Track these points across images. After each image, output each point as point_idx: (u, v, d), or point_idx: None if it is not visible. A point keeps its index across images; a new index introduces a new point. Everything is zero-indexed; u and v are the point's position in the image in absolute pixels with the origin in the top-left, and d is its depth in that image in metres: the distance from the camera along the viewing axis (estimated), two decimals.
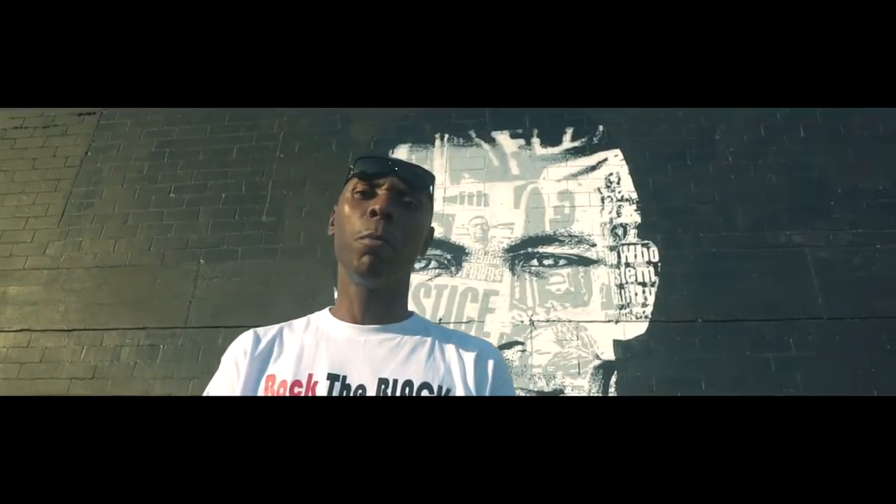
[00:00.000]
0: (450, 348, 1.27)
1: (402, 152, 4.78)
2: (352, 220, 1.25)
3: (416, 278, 4.21)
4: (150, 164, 5.12)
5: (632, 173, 4.48)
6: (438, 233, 4.36)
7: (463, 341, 1.30)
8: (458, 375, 1.22)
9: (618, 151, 4.56)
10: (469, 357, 1.26)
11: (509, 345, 3.96)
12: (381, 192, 1.26)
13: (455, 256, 4.30)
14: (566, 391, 3.79)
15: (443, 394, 1.19)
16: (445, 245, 4.35)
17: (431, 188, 1.36)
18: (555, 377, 3.84)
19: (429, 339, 1.27)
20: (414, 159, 4.72)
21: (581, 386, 3.80)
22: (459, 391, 1.20)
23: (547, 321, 4.03)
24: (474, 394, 1.21)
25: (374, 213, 1.22)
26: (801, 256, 4.01)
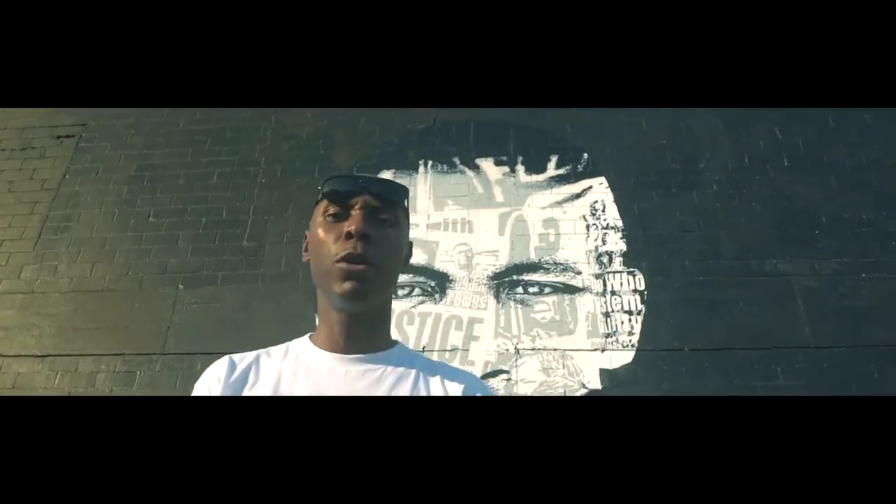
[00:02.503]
0: (434, 382, 1.20)
1: (385, 178, 4.74)
2: (327, 245, 1.19)
3: (399, 305, 4.16)
4: (130, 187, 5.04)
5: (617, 201, 4.47)
6: (422, 260, 4.32)
7: (449, 374, 1.24)
8: None
9: (602, 179, 4.56)
10: (455, 391, 1.20)
11: (494, 373, 3.91)
12: (355, 212, 1.20)
13: (439, 283, 4.25)
14: None
15: None
16: (429, 272, 4.30)
17: (406, 202, 1.31)
18: None
19: (413, 372, 1.21)
20: None
21: None
22: None
23: (532, 349, 3.98)
24: None
25: (349, 234, 1.16)
26: (787, 285, 4.01)
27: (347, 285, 1.15)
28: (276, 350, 1.26)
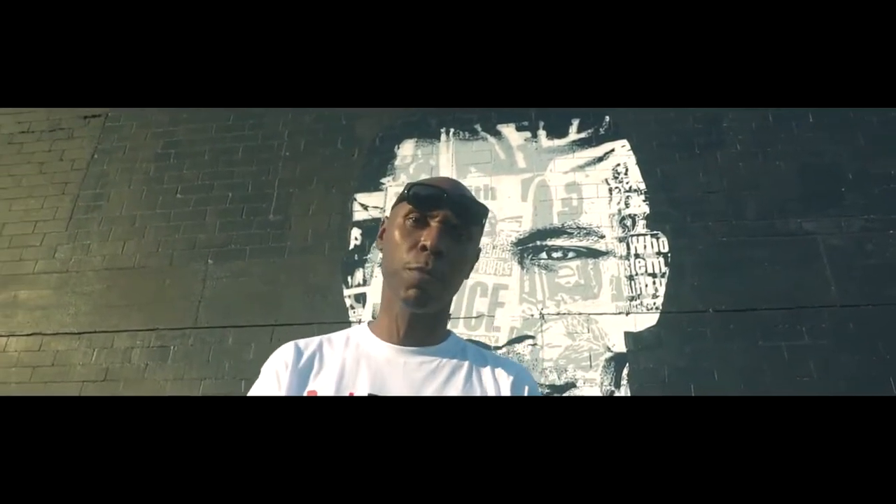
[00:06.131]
0: (486, 372, 1.29)
1: (408, 147, 4.76)
2: (401, 249, 1.25)
3: None
4: (157, 165, 5.12)
5: (639, 163, 4.45)
6: None
7: (498, 364, 1.32)
8: None
9: (625, 142, 4.54)
10: (506, 383, 1.28)
11: (520, 339, 3.94)
12: (434, 224, 1.24)
13: None
14: (578, 384, 3.77)
15: None
16: None
17: (484, 220, 1.34)
18: (566, 370, 3.82)
19: (466, 363, 1.30)
20: (420, 154, 4.71)
21: (593, 379, 3.78)
22: None
23: (557, 314, 4.01)
24: None
25: (424, 248, 1.22)
26: (812, 244, 3.98)
27: (412, 292, 1.22)
28: (338, 338, 1.34)
